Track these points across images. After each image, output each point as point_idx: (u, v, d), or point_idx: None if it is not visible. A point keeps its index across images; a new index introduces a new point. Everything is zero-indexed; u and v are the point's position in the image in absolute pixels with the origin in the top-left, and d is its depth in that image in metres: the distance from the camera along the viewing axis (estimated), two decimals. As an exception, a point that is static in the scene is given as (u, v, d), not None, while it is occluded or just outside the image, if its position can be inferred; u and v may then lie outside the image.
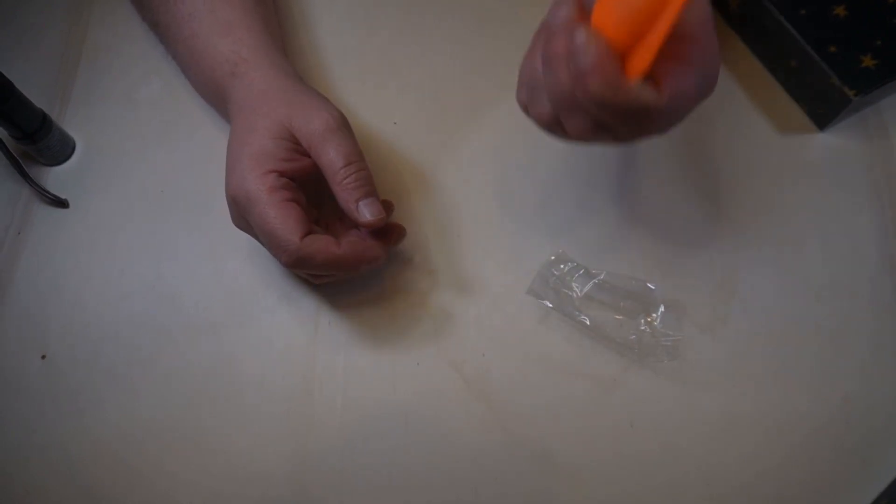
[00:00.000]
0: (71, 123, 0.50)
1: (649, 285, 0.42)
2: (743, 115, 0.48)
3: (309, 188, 0.41)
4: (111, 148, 0.50)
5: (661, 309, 0.42)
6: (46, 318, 0.45)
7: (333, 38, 0.52)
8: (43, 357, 0.44)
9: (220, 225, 0.45)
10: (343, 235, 0.41)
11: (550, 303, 0.42)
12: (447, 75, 0.50)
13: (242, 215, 0.39)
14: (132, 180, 0.49)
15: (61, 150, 0.49)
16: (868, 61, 0.45)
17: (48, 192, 0.48)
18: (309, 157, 0.40)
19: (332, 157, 0.39)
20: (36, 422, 0.43)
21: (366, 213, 0.39)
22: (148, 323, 0.45)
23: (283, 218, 0.38)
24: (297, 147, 0.40)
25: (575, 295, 0.42)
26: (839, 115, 0.46)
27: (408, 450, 0.41)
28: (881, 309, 0.43)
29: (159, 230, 0.47)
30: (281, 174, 0.39)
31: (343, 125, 0.41)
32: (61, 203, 0.48)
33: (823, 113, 0.47)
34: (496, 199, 0.47)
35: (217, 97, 0.45)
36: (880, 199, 0.45)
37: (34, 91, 0.46)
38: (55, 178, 0.49)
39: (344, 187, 0.39)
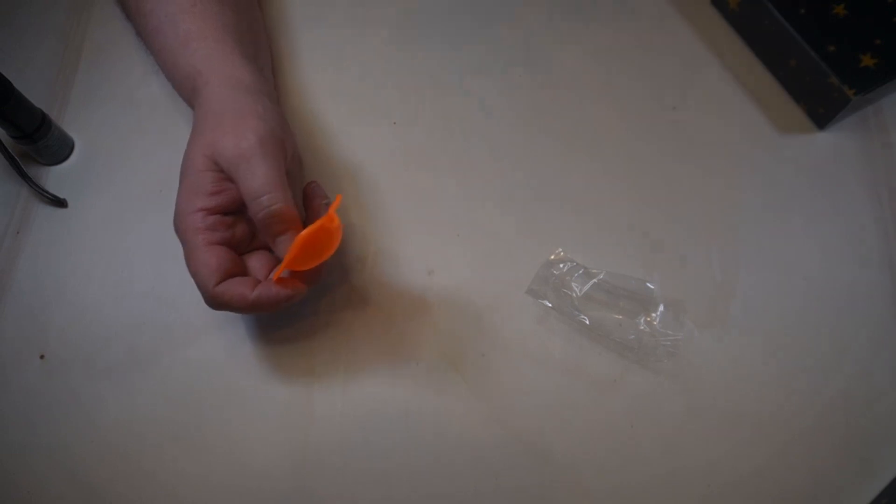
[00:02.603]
0: (70, 123, 0.50)
1: (648, 285, 0.42)
2: (743, 115, 0.48)
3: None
4: (110, 148, 0.50)
5: (661, 308, 0.42)
6: (45, 317, 0.45)
7: (333, 37, 0.52)
8: (42, 357, 0.44)
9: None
10: None
11: (550, 302, 0.42)
12: (447, 75, 0.50)
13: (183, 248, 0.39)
14: (131, 180, 0.49)
15: (60, 150, 0.49)
16: (867, 60, 0.44)
17: (47, 192, 0.48)
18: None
19: (244, 188, 0.37)
20: (35, 421, 0.43)
21: (282, 249, 0.38)
22: (147, 322, 0.44)
23: (201, 263, 0.37)
24: (223, 175, 0.38)
25: (574, 294, 0.42)
26: (839, 114, 0.46)
27: (408, 449, 0.41)
28: (881, 309, 0.43)
29: (158, 230, 0.47)
30: (209, 212, 0.38)
31: (261, 149, 0.38)
32: (60, 203, 0.48)
33: (823, 112, 0.47)
34: (496, 199, 0.47)
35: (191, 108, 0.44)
36: (880, 198, 0.45)
37: (33, 91, 0.46)
38: (54, 177, 0.49)
39: (260, 222, 0.37)
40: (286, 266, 0.37)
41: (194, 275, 0.38)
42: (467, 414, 0.42)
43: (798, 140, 0.47)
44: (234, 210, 0.40)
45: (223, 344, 0.44)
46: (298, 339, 0.44)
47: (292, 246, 0.37)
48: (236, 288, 0.38)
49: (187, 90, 0.43)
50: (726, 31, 0.51)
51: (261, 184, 0.37)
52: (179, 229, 0.38)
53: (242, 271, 0.39)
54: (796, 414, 0.41)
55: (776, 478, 0.40)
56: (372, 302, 0.44)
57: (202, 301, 0.45)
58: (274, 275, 0.39)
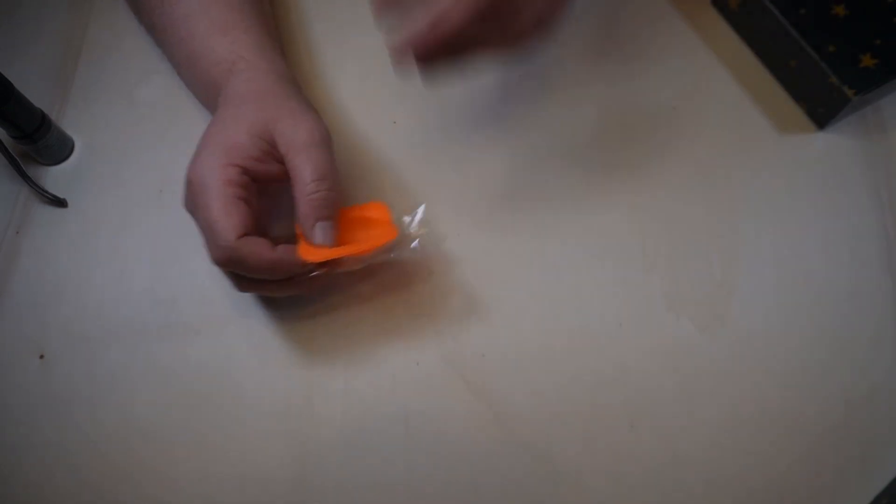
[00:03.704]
0: (70, 123, 0.50)
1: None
2: (742, 115, 0.48)
3: (269, 200, 0.40)
4: (110, 148, 0.50)
5: (421, 209, 0.42)
6: (45, 317, 0.45)
7: (333, 37, 0.52)
8: (41, 357, 0.44)
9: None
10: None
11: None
12: (448, 75, 0.50)
13: (193, 199, 0.38)
14: (131, 180, 0.49)
15: (60, 150, 0.49)
16: (867, 60, 0.45)
17: (47, 192, 0.48)
18: (282, 164, 0.39)
19: (306, 169, 0.38)
20: (35, 421, 0.43)
21: (319, 235, 0.38)
22: (147, 322, 0.44)
23: (226, 212, 0.37)
24: (272, 151, 0.39)
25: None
26: (839, 114, 0.46)
27: (408, 450, 0.41)
28: (881, 309, 0.43)
29: (158, 230, 0.47)
30: (245, 171, 0.38)
31: (326, 141, 0.40)
32: (60, 203, 0.48)
33: (823, 112, 0.47)
34: (496, 199, 0.47)
35: (211, 94, 0.44)
36: (880, 199, 0.45)
37: (33, 91, 0.46)
38: (54, 177, 0.49)
39: (309, 202, 0.38)
40: (336, 236, 0.39)
41: (211, 223, 0.37)
42: (467, 414, 0.42)
43: (798, 140, 0.47)
44: (262, 185, 0.39)
45: (223, 344, 0.44)
46: (298, 339, 0.44)
47: (339, 219, 0.39)
48: (256, 245, 0.37)
49: (217, 73, 0.43)
50: (726, 31, 0.51)
51: (325, 169, 0.38)
52: (206, 176, 0.37)
53: (259, 233, 0.39)
54: (796, 414, 0.41)
55: (776, 477, 0.40)
56: (372, 302, 0.44)
57: (201, 300, 0.45)
58: (301, 243, 0.39)
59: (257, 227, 0.38)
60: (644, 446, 0.41)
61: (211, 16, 0.44)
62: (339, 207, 0.39)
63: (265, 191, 0.40)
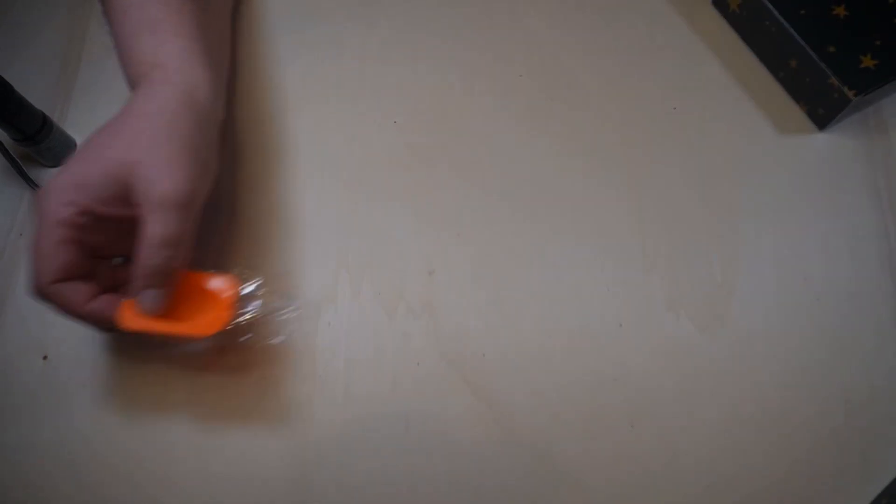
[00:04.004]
0: (72, 124, 0.50)
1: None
2: (743, 115, 0.48)
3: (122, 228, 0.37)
4: (112, 149, 0.50)
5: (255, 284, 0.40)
6: (48, 319, 0.45)
7: (334, 36, 0.52)
8: (45, 357, 0.44)
9: (220, 225, 0.45)
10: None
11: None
12: (448, 74, 0.50)
13: (34, 221, 0.36)
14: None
15: (62, 152, 0.49)
16: (868, 61, 0.45)
17: (49, 194, 0.48)
18: (133, 211, 0.36)
19: (154, 230, 0.35)
20: (37, 422, 0.43)
21: (144, 302, 0.36)
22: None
23: (48, 254, 0.35)
24: (127, 196, 0.36)
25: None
26: (839, 114, 0.46)
27: (408, 450, 0.41)
28: (881, 309, 0.43)
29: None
30: (86, 212, 0.35)
31: (188, 203, 0.36)
32: (62, 204, 0.48)
33: (823, 113, 0.47)
34: (497, 199, 0.47)
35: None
36: (880, 199, 0.45)
37: (34, 92, 0.46)
38: (56, 179, 0.49)
39: (143, 266, 0.35)
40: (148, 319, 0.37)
41: (34, 259, 0.35)
42: (467, 414, 0.42)
43: (798, 140, 0.47)
44: (111, 225, 0.37)
45: (222, 344, 0.44)
46: (298, 339, 0.44)
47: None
48: (70, 293, 0.36)
49: (134, 75, 0.40)
50: (727, 32, 0.51)
51: (172, 237, 0.35)
52: (43, 209, 0.35)
53: (86, 275, 0.37)
54: (796, 414, 0.41)
55: (776, 477, 0.40)
56: (372, 302, 0.44)
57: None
58: (124, 302, 0.37)
59: (85, 268, 0.37)
60: (644, 446, 0.41)
61: (144, 11, 0.41)
62: (182, 272, 0.37)
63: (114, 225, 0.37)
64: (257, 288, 0.40)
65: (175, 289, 0.37)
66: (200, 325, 0.38)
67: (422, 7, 0.53)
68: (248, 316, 0.39)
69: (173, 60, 0.39)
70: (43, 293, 0.36)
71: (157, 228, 0.35)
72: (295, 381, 0.42)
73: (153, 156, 0.36)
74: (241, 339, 0.41)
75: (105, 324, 0.37)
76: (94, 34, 0.54)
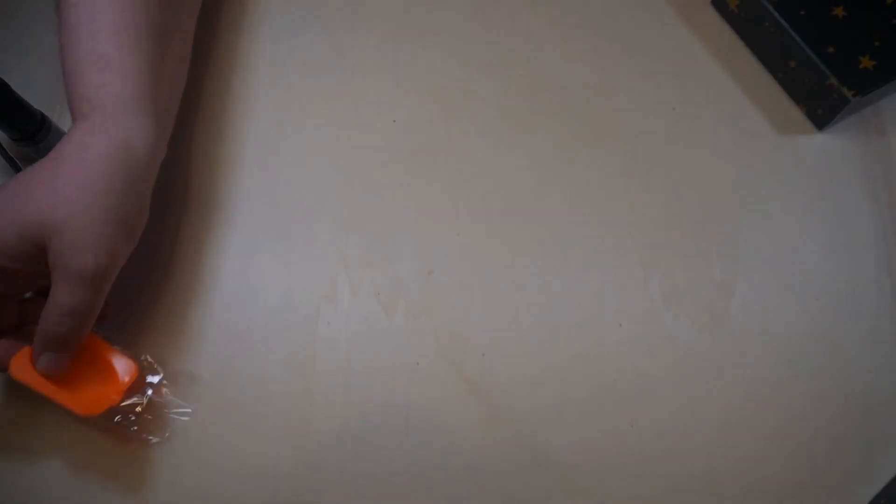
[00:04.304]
0: (70, 124, 0.50)
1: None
2: (742, 116, 0.48)
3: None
4: (111, 149, 0.50)
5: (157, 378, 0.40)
6: (46, 319, 0.45)
7: (332, 34, 0.52)
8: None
9: (220, 225, 0.45)
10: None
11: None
12: (448, 74, 0.50)
13: None
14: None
15: (61, 151, 0.49)
16: (867, 62, 0.45)
17: (47, 193, 0.47)
18: (45, 274, 0.34)
19: (62, 302, 0.34)
20: (38, 422, 0.42)
21: (42, 363, 0.35)
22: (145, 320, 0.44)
23: None
24: (39, 257, 0.34)
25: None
26: (838, 115, 0.46)
27: (408, 450, 0.41)
28: (881, 309, 0.43)
29: (158, 230, 0.47)
30: None
31: (105, 276, 0.35)
32: (60, 204, 0.48)
33: (822, 113, 0.47)
34: (497, 198, 0.47)
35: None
36: (879, 200, 0.46)
37: (33, 92, 0.46)
38: (54, 178, 0.49)
39: (46, 332, 0.34)
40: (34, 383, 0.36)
41: None
42: (467, 414, 0.42)
43: (797, 141, 0.48)
44: (18, 276, 0.35)
45: (222, 344, 0.44)
46: (298, 339, 0.44)
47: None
48: None
49: (77, 109, 0.37)
50: (726, 32, 0.51)
51: (82, 309, 0.34)
52: None
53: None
54: (795, 413, 0.41)
55: (776, 476, 0.40)
56: (372, 302, 0.44)
57: (201, 300, 0.45)
58: (23, 350, 0.36)
59: None
60: (644, 446, 0.41)
61: (98, 41, 0.37)
62: (75, 344, 0.36)
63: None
64: (158, 382, 0.40)
65: (82, 350, 0.37)
66: (84, 402, 0.37)
67: (421, 6, 0.53)
68: (136, 408, 0.39)
69: (116, 106, 0.37)
70: None
71: (66, 298, 0.34)
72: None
73: (77, 223, 0.33)
74: (127, 429, 0.40)
75: None
76: (92, 33, 0.53)
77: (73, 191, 0.34)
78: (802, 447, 0.40)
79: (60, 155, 0.35)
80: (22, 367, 0.36)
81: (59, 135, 0.48)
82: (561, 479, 0.40)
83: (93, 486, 0.40)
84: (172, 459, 0.41)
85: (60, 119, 0.50)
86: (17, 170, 0.47)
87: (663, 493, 0.40)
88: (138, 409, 0.39)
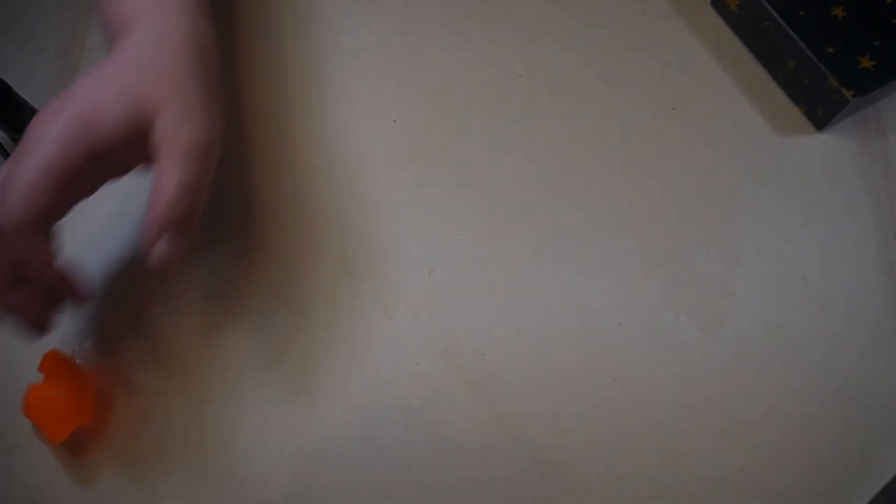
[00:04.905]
0: (70, 124, 0.50)
1: None
2: (741, 116, 0.48)
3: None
4: (111, 149, 0.50)
5: None
6: (46, 318, 0.45)
7: (332, 34, 0.52)
8: (43, 358, 0.44)
9: (219, 224, 0.45)
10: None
11: None
12: (448, 74, 0.50)
13: (17, 152, 0.32)
14: (131, 179, 0.48)
15: (61, 151, 0.49)
16: (866, 62, 0.45)
17: (48, 193, 0.47)
18: (145, 155, 0.33)
19: (180, 178, 0.32)
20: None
21: (158, 250, 0.33)
22: (147, 320, 0.44)
23: (28, 193, 0.31)
24: (141, 140, 0.33)
25: None
26: (837, 115, 0.46)
27: (408, 450, 0.41)
28: (880, 309, 0.43)
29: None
30: (92, 156, 0.32)
31: (213, 146, 0.34)
32: (61, 204, 0.48)
33: (822, 114, 0.47)
34: (497, 198, 0.47)
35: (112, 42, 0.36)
36: (879, 200, 0.46)
37: (33, 92, 0.46)
38: (54, 178, 0.49)
39: (163, 213, 0.33)
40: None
41: (12, 192, 0.31)
42: (467, 414, 0.42)
43: (796, 141, 0.48)
44: (101, 171, 0.34)
45: (222, 344, 0.44)
46: (298, 339, 0.44)
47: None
48: (28, 248, 0.33)
49: (129, 13, 0.35)
50: (725, 32, 0.51)
51: (194, 182, 0.33)
52: (42, 140, 0.31)
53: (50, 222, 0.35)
54: (794, 414, 0.41)
55: (775, 477, 0.40)
56: (372, 302, 0.44)
57: (201, 301, 0.45)
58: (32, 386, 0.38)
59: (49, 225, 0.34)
60: (644, 446, 0.41)
61: None
62: (195, 221, 0.34)
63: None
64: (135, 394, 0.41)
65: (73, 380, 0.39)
66: (54, 428, 0.39)
67: (421, 6, 0.53)
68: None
69: (175, 4, 0.36)
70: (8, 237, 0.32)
71: (179, 173, 0.32)
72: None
73: (185, 95, 0.33)
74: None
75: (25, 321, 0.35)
76: (94, 33, 0.53)
77: (169, 70, 0.33)
78: (802, 447, 0.40)
79: (140, 41, 0.34)
80: (33, 399, 0.39)
81: (59, 135, 0.48)
82: (560, 478, 0.40)
83: (87, 488, 0.40)
84: (171, 459, 0.41)
85: (60, 119, 0.50)
86: (17, 170, 0.47)
87: (663, 493, 0.40)
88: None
